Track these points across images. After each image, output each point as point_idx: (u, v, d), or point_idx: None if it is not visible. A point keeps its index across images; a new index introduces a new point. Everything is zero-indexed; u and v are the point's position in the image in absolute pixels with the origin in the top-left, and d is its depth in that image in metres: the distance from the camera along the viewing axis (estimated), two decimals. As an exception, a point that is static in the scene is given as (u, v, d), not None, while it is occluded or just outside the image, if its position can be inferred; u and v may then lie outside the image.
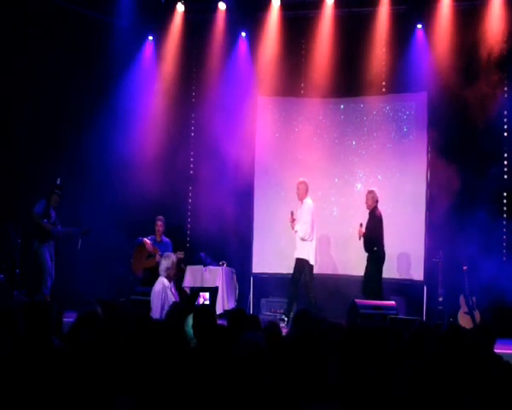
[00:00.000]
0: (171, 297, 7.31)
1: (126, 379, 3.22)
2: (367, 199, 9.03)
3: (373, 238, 8.84)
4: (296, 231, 9.02)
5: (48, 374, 3.12)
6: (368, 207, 9.06)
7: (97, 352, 3.38)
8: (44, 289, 8.95)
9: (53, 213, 9.18)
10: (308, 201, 9.15)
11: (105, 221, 9.97)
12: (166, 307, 7.21)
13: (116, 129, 10.18)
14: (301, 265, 9.00)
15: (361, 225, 8.92)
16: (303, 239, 8.97)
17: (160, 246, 9.54)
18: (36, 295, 8.71)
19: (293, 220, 9.04)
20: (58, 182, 9.19)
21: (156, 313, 7.17)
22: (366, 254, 9.65)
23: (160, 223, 9.60)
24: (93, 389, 3.09)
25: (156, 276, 9.30)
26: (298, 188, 9.25)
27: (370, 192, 9.04)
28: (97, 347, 3.43)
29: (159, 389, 3.16)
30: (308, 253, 9.01)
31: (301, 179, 9.29)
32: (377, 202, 8.98)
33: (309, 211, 9.03)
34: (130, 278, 9.62)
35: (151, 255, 9.43)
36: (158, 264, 9.34)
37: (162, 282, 7.40)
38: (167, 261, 7.52)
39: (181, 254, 9.07)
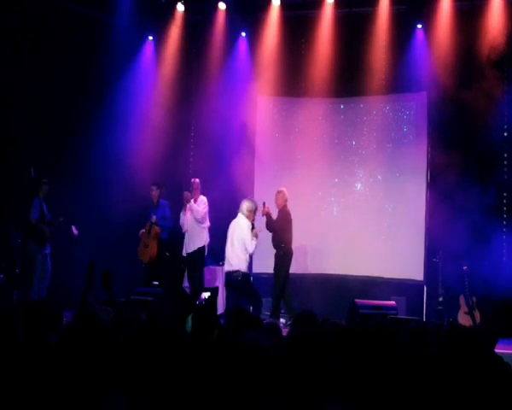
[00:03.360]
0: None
1: (124, 379, 3.21)
2: (276, 198, 9.16)
3: (281, 235, 8.96)
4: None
5: (45, 373, 3.12)
6: (277, 207, 9.16)
7: (94, 351, 3.38)
8: (32, 293, 8.92)
9: (46, 209, 9.17)
10: (202, 197, 9.62)
11: (105, 221, 9.98)
12: (252, 249, 7.97)
13: (115, 129, 10.18)
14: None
15: (264, 203, 8.94)
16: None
17: (158, 210, 9.58)
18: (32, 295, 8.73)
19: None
20: (32, 174, 9.12)
21: (249, 246, 7.96)
22: (366, 254, 9.67)
23: (153, 187, 9.66)
24: (89, 388, 3.09)
25: (163, 250, 9.49)
26: (193, 188, 9.62)
27: (280, 192, 9.16)
28: (94, 346, 3.43)
29: (156, 389, 3.16)
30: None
31: (195, 179, 9.67)
32: (286, 200, 9.09)
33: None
34: (141, 266, 9.70)
35: (149, 232, 9.48)
36: (159, 234, 9.44)
37: (245, 220, 8.05)
38: (249, 203, 8.08)
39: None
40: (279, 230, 8.96)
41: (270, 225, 8.95)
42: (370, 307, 8.09)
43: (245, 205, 8.15)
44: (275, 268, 9.09)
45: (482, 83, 9.51)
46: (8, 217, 9.17)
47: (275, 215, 9.07)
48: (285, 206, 9.10)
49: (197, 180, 9.71)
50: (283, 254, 8.98)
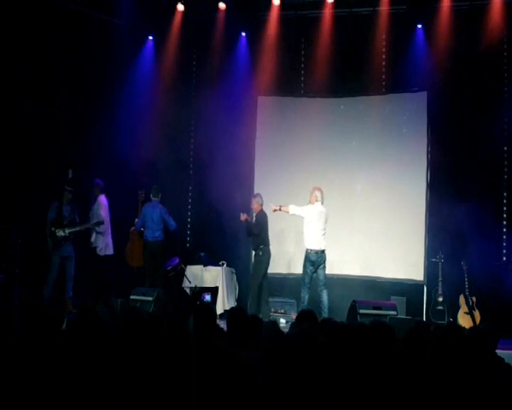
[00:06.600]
0: None
1: (124, 379, 3.22)
2: (252, 203, 9.40)
3: (261, 238, 9.19)
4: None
5: (45, 373, 3.12)
6: (254, 211, 9.40)
7: (95, 351, 3.38)
8: (46, 291, 8.95)
9: (66, 212, 9.22)
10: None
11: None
12: None
13: (116, 129, 10.17)
14: None
15: (242, 213, 9.27)
16: None
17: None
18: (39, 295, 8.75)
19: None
20: (70, 175, 9.26)
21: None
22: (365, 255, 9.66)
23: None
24: (89, 388, 3.09)
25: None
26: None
27: (255, 196, 9.44)
28: (95, 345, 3.43)
29: (155, 388, 3.16)
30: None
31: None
32: (262, 204, 9.31)
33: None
34: (133, 272, 9.71)
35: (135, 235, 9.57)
36: (141, 234, 9.53)
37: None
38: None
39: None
40: (259, 233, 9.15)
41: (250, 229, 9.22)
42: (370, 307, 8.11)
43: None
44: (254, 269, 9.37)
45: (482, 82, 9.52)
46: (8, 217, 9.16)
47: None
48: (261, 210, 9.32)
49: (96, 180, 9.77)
50: (263, 254, 9.18)
